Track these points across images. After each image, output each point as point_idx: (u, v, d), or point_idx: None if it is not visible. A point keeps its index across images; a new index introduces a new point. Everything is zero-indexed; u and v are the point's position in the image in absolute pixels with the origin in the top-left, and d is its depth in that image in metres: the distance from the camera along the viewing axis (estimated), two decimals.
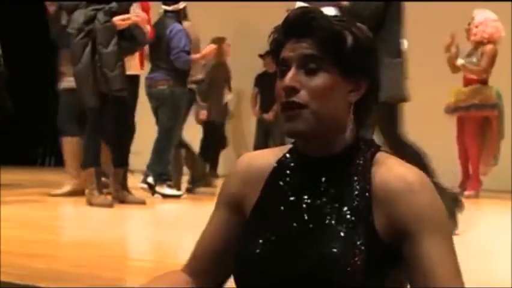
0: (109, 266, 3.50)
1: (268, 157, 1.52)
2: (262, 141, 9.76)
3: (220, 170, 10.51)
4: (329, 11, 4.66)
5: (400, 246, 1.35)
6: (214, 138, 8.71)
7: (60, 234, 4.48)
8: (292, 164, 1.47)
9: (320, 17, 1.42)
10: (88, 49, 5.74)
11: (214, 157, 8.96)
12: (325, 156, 1.43)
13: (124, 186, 6.31)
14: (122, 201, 6.21)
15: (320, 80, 1.39)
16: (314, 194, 1.42)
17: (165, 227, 5.50)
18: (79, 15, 5.81)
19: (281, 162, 1.49)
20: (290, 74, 1.40)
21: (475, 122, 7.66)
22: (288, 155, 1.50)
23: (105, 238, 4.46)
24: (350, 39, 1.41)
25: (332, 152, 1.43)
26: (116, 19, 5.82)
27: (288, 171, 1.47)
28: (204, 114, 8.43)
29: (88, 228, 4.81)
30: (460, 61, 7.64)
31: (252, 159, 1.53)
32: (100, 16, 5.78)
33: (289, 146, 1.51)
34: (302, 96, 1.38)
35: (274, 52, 1.46)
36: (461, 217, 4.56)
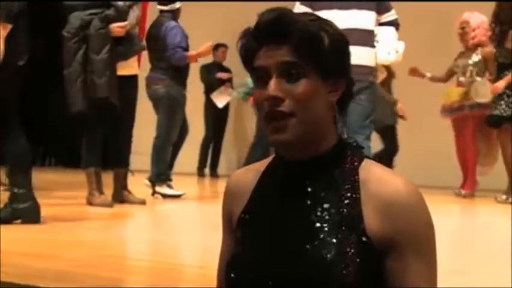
0: (109, 266, 3.50)
1: (255, 170, 1.50)
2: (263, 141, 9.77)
3: (221, 170, 10.55)
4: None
5: (385, 255, 1.33)
6: None
7: (61, 234, 4.48)
8: (275, 169, 1.45)
9: (294, 20, 1.36)
10: (79, 54, 5.73)
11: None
12: (307, 158, 1.40)
13: (124, 186, 6.32)
14: (122, 201, 6.22)
15: (302, 86, 1.35)
16: (298, 197, 1.39)
17: (165, 227, 5.51)
18: (75, 19, 5.80)
19: (266, 170, 1.48)
20: (272, 83, 1.35)
21: (473, 122, 7.68)
22: (272, 162, 1.48)
23: (105, 238, 4.46)
24: (326, 40, 1.37)
25: (314, 154, 1.40)
26: (114, 26, 5.81)
27: (272, 177, 1.45)
28: None
29: (88, 228, 4.82)
30: (479, 83, 7.61)
31: (240, 176, 1.52)
32: (96, 22, 5.76)
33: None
34: (288, 105, 1.35)
35: (246, 59, 1.40)
36: (459, 216, 4.56)
